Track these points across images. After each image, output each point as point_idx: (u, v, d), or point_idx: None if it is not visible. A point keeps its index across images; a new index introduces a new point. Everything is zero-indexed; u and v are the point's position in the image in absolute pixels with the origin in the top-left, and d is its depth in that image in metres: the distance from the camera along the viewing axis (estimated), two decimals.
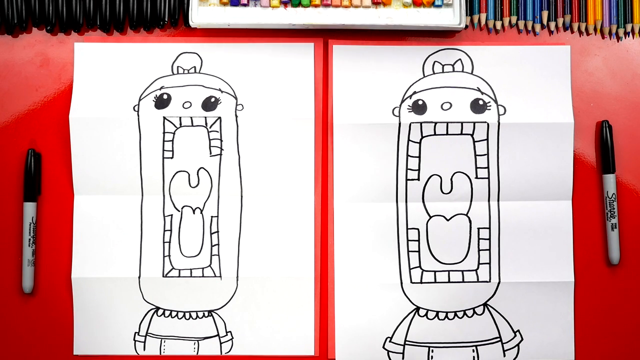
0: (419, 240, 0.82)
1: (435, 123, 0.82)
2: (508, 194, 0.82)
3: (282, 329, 0.82)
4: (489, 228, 0.82)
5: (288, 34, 0.84)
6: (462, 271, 0.82)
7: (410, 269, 0.82)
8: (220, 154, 0.82)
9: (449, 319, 0.82)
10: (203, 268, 0.82)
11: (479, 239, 0.82)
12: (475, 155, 0.82)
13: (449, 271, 0.82)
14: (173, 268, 0.82)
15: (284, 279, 0.82)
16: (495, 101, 0.82)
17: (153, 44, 0.84)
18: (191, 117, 0.82)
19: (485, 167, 0.82)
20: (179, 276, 0.82)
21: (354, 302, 0.82)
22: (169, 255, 0.82)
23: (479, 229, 0.82)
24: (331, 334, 0.82)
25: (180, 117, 0.82)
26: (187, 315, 0.82)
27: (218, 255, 0.82)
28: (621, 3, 0.84)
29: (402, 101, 0.83)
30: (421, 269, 0.82)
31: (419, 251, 0.82)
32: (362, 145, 0.82)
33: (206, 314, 0.82)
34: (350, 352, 0.82)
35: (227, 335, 0.82)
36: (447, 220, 0.82)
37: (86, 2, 0.83)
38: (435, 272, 0.82)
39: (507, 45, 0.84)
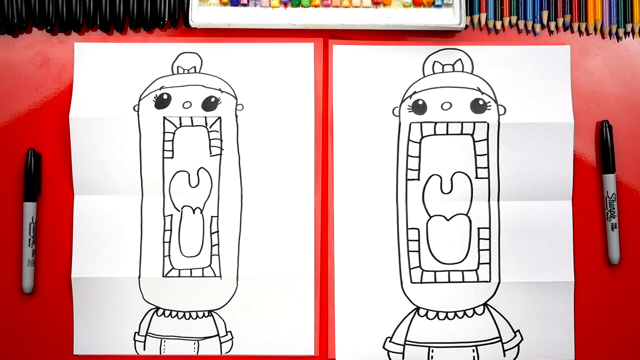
0: (419, 240, 0.82)
1: (435, 123, 0.82)
2: (508, 194, 0.82)
3: (282, 329, 0.82)
4: (489, 228, 0.82)
5: (288, 34, 0.84)
6: (462, 271, 0.82)
7: (410, 268, 0.82)
8: (220, 154, 0.82)
9: (449, 319, 0.82)
10: (203, 268, 0.82)
11: (479, 238, 0.82)
12: (475, 155, 0.82)
13: (449, 271, 0.82)
14: (173, 268, 0.82)
15: (284, 279, 0.82)
16: (495, 101, 0.82)
17: (153, 44, 0.84)
18: (191, 117, 0.82)
19: (485, 167, 0.82)
20: (179, 276, 0.82)
21: (354, 302, 0.82)
22: (169, 255, 0.82)
23: (479, 228, 0.82)
24: (331, 334, 0.82)
25: (180, 117, 0.82)
26: (187, 315, 0.82)
27: (218, 255, 0.82)
28: (621, 3, 0.84)
29: (402, 101, 0.83)
30: (421, 268, 0.82)
31: (419, 251, 0.82)
32: (362, 145, 0.82)
33: (206, 313, 0.82)
34: (350, 352, 0.82)
35: (227, 335, 0.82)
36: (447, 220, 0.82)
37: (86, 2, 0.83)
38: (435, 272, 0.82)
39: (507, 45, 0.84)
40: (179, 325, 0.82)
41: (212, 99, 0.83)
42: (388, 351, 0.82)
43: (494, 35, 0.85)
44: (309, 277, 0.82)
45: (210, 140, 0.82)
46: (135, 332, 0.82)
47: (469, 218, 0.82)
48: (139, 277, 0.82)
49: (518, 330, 0.82)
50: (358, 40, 0.84)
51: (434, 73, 0.83)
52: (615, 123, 0.84)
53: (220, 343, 0.82)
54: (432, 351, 0.82)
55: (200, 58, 0.84)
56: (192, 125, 0.82)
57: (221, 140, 0.82)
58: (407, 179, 0.82)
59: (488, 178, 0.82)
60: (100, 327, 0.82)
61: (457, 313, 0.82)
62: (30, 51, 0.84)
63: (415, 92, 0.83)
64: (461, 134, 0.82)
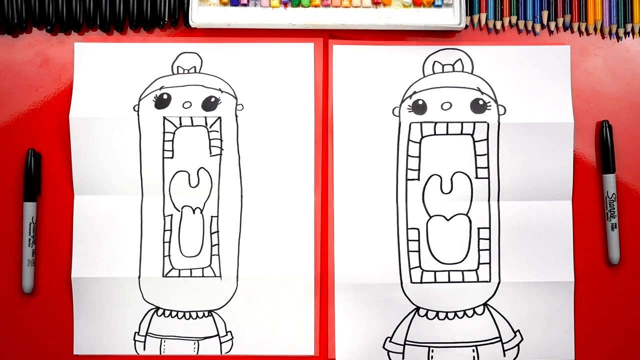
0: (419, 240, 0.82)
1: (435, 123, 0.82)
2: (508, 194, 0.82)
3: (282, 329, 0.82)
4: (489, 228, 0.82)
5: (288, 34, 0.84)
6: (462, 271, 0.82)
7: (410, 269, 0.82)
8: (220, 154, 0.82)
9: (449, 319, 0.82)
10: (203, 268, 0.82)
11: (479, 238, 0.82)
12: (475, 155, 0.82)
13: (449, 271, 0.82)
14: (173, 268, 0.82)
15: (284, 279, 0.82)
16: (495, 101, 0.82)
17: (153, 44, 0.84)
18: (191, 117, 0.82)
19: (485, 167, 0.82)
20: (179, 276, 0.82)
21: (354, 302, 0.82)
22: (169, 255, 0.82)
23: (479, 228, 0.82)
24: (331, 334, 0.82)
25: (180, 117, 0.82)
26: (187, 315, 0.82)
27: (218, 255, 0.82)
28: (621, 3, 0.84)
29: (402, 101, 0.83)
30: (421, 269, 0.82)
31: (419, 251, 0.82)
32: (362, 145, 0.82)
33: (206, 313, 0.82)
34: (350, 352, 0.82)
35: (227, 335, 0.82)
36: (447, 220, 0.82)
37: (86, 2, 0.83)
38: (435, 272, 0.82)
39: (507, 45, 0.84)
40: (179, 325, 0.82)
41: (212, 99, 0.83)
42: (388, 351, 0.82)
43: (494, 35, 0.85)
44: (309, 277, 0.82)
45: (210, 140, 0.82)
46: (135, 332, 0.82)
47: (469, 218, 0.82)
48: (139, 277, 0.82)
49: (518, 330, 0.82)
50: (358, 40, 0.84)
51: (434, 73, 0.83)
52: (615, 123, 0.84)
53: (220, 343, 0.82)
54: (432, 351, 0.82)
55: (200, 58, 0.84)
56: (192, 125, 0.82)
57: (221, 140, 0.82)
58: (407, 179, 0.82)
59: (488, 178, 0.82)
60: (100, 327, 0.82)
61: (457, 313, 0.82)
62: (30, 51, 0.84)
63: (415, 92, 0.83)
64: (461, 134, 0.82)
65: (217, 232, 0.82)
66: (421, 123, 0.82)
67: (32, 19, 0.84)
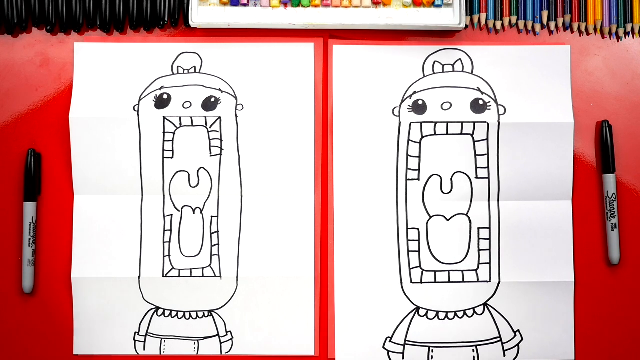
0: (419, 240, 0.82)
1: (435, 123, 0.82)
2: (508, 194, 0.82)
3: (282, 329, 0.82)
4: (489, 228, 0.82)
5: (288, 34, 0.84)
6: (462, 271, 0.82)
7: (410, 268, 0.82)
8: (220, 154, 0.82)
9: (449, 319, 0.82)
10: (203, 268, 0.82)
11: (479, 238, 0.82)
12: (475, 155, 0.82)
13: (449, 271, 0.82)
14: (173, 268, 0.82)
15: (284, 278, 0.82)
16: (495, 101, 0.82)
17: (153, 44, 0.84)
18: (191, 117, 0.82)
19: (485, 167, 0.82)
20: (179, 276, 0.82)
21: (354, 302, 0.82)
22: (169, 255, 0.82)
23: (479, 228, 0.82)
24: (331, 334, 0.82)
25: (180, 117, 0.82)
26: (187, 315, 0.82)
27: (218, 255, 0.82)
28: (621, 3, 0.84)
29: (402, 101, 0.83)
30: (421, 269, 0.82)
31: (419, 251, 0.82)
32: (362, 145, 0.82)
33: (206, 313, 0.82)
34: (350, 352, 0.82)
35: (227, 335, 0.82)
36: (447, 220, 0.82)
37: (86, 2, 0.83)
38: (435, 272, 0.82)
39: (507, 45, 0.84)
40: (179, 325, 0.82)
41: (212, 99, 0.83)
42: (388, 351, 0.82)
43: (494, 35, 0.85)
44: (309, 277, 0.82)
45: (210, 140, 0.82)
46: (135, 332, 0.82)
47: (469, 218, 0.82)
48: (139, 277, 0.82)
49: (518, 330, 0.82)
50: (358, 40, 0.84)
51: (434, 73, 0.83)
52: (615, 123, 0.84)
53: (220, 343, 0.82)
54: (432, 351, 0.82)
55: (200, 58, 0.84)
56: (192, 125, 0.82)
57: (221, 140, 0.82)
58: (407, 179, 0.82)
59: (488, 178, 0.82)
60: (100, 327, 0.82)
61: (457, 313, 0.82)
62: (30, 51, 0.84)
63: (415, 92, 0.83)
64: (461, 134, 0.82)
65: (217, 232, 0.82)
66: (421, 123, 0.82)
67: (32, 19, 0.84)
